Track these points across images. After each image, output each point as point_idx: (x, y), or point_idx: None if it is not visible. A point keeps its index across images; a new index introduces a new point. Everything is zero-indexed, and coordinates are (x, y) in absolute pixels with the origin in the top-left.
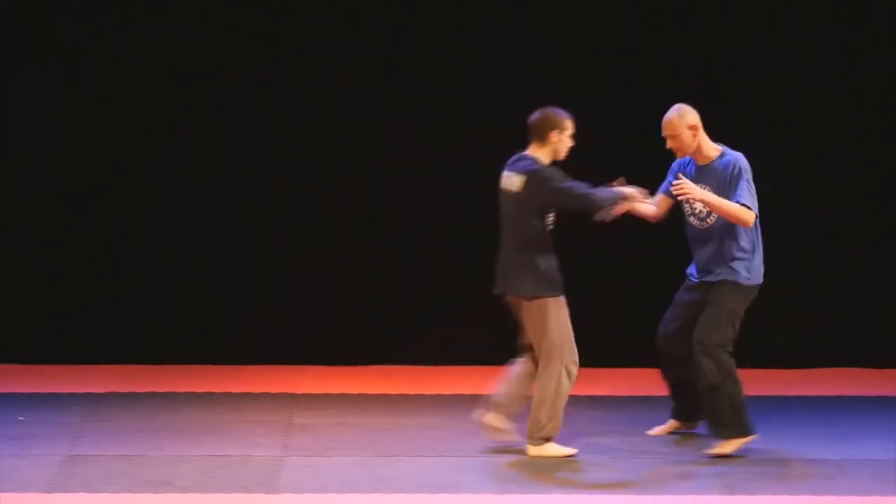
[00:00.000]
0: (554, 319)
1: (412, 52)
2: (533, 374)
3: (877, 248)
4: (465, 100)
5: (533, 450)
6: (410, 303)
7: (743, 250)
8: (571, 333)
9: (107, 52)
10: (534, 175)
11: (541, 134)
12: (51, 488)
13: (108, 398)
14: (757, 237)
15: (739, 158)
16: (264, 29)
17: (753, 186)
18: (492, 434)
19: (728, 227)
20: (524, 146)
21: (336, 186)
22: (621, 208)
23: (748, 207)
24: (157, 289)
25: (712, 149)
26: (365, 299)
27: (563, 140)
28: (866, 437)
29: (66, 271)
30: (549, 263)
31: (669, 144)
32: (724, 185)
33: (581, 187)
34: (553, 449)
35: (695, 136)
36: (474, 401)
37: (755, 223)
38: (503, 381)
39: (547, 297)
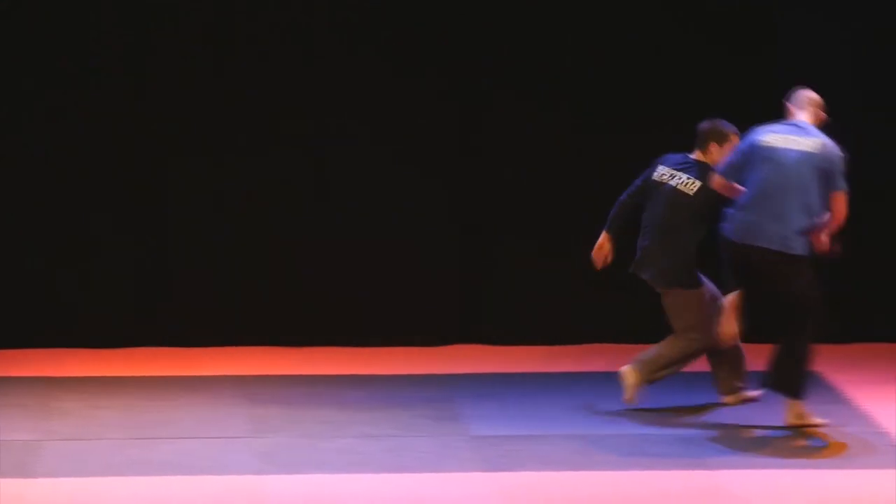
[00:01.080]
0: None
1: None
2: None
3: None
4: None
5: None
6: (166, 283)
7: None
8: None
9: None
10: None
11: (702, 143)
12: None
13: None
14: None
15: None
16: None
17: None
18: (624, 386)
19: None
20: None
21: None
22: None
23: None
24: None
25: None
26: (124, 281)
27: (722, 152)
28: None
29: None
30: (693, 262)
31: None
32: None
33: None
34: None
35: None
36: (235, 382)
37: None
38: (657, 344)
39: (688, 289)
